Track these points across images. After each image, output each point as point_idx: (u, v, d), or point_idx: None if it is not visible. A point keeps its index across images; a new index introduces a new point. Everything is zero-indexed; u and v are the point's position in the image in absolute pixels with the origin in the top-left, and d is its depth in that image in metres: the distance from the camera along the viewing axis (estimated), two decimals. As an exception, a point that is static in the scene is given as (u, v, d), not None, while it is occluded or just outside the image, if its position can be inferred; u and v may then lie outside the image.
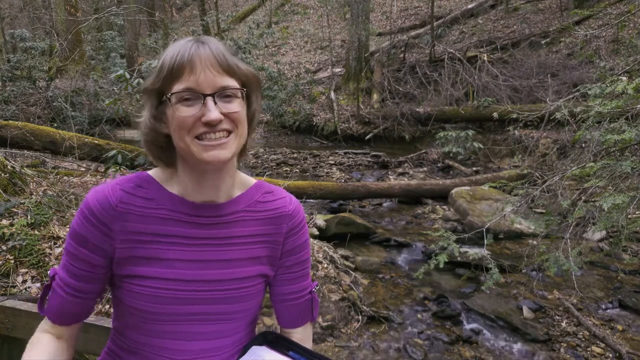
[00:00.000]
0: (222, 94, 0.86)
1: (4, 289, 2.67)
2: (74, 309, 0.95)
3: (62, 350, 0.96)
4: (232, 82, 0.87)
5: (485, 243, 3.78)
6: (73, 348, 1.00)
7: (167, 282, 0.90)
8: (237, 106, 0.88)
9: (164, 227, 0.91)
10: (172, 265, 0.91)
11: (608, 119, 3.40)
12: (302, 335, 1.07)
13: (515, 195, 4.55)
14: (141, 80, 4.52)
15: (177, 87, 0.85)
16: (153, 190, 0.94)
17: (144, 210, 0.91)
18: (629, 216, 3.68)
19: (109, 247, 0.90)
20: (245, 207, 0.98)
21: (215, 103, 0.85)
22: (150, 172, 0.97)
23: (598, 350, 3.30)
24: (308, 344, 1.07)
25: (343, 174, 8.42)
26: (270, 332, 1.01)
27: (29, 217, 3.09)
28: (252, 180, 1.03)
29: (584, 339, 3.42)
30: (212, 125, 0.85)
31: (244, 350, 0.96)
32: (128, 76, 4.29)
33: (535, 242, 4.18)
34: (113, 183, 0.93)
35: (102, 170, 5.52)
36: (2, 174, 3.34)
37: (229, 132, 0.87)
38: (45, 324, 0.97)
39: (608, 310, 3.79)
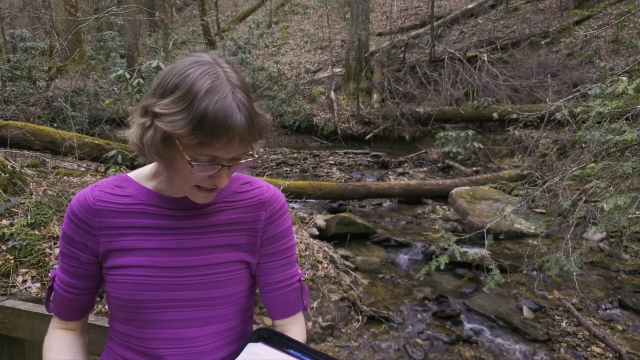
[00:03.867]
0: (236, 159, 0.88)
1: (4, 289, 2.67)
2: (78, 304, 1.03)
3: (77, 339, 1.06)
4: (248, 148, 0.88)
5: (485, 244, 3.78)
6: (86, 334, 1.10)
7: (146, 270, 0.93)
8: (242, 167, 0.90)
9: (141, 220, 0.95)
10: (149, 254, 0.94)
11: (608, 119, 3.39)
12: (295, 326, 1.07)
13: (515, 196, 4.55)
14: (141, 81, 4.51)
15: (204, 151, 0.82)
16: (130, 188, 0.98)
17: (121, 207, 0.96)
18: (630, 216, 3.68)
19: (92, 243, 0.96)
20: (222, 198, 1.00)
21: (229, 168, 0.87)
22: (129, 174, 1.02)
23: (598, 350, 3.30)
24: (302, 334, 1.06)
25: (343, 174, 8.42)
26: (265, 328, 0.99)
27: (29, 217, 3.09)
28: None
29: (584, 339, 3.42)
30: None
31: (239, 349, 0.95)
32: (128, 76, 4.28)
33: (535, 243, 4.18)
34: (93, 185, 0.99)
35: (102, 170, 5.51)
36: (2, 174, 3.34)
37: None
38: (55, 321, 1.06)
39: (608, 310, 3.79)
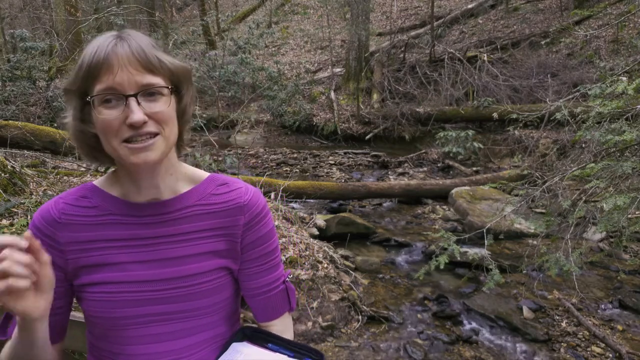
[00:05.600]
0: (145, 93, 0.82)
1: (4, 289, 2.66)
2: (52, 326, 0.92)
3: None
4: (156, 80, 0.83)
5: (485, 244, 3.79)
6: None
7: (121, 286, 0.88)
8: (162, 105, 0.84)
9: (111, 231, 0.90)
10: (123, 269, 0.89)
11: (608, 119, 3.39)
12: (281, 327, 1.04)
13: (515, 196, 4.55)
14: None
15: (98, 87, 0.81)
16: (96, 198, 0.93)
17: (88, 219, 0.90)
18: (629, 216, 3.68)
19: (60, 260, 0.90)
20: (196, 201, 0.94)
21: (139, 103, 0.81)
22: (94, 182, 0.96)
23: (598, 350, 3.30)
24: (288, 335, 1.04)
25: (343, 174, 8.42)
26: (248, 326, 0.98)
27: (29, 217, 3.09)
28: (205, 174, 0.99)
29: (584, 339, 3.42)
30: (136, 128, 0.81)
31: (224, 348, 0.94)
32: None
33: (535, 243, 4.18)
34: (57, 198, 0.94)
35: (102, 170, 5.51)
36: (2, 174, 3.34)
37: (155, 134, 0.83)
38: None
39: (608, 310, 3.79)
